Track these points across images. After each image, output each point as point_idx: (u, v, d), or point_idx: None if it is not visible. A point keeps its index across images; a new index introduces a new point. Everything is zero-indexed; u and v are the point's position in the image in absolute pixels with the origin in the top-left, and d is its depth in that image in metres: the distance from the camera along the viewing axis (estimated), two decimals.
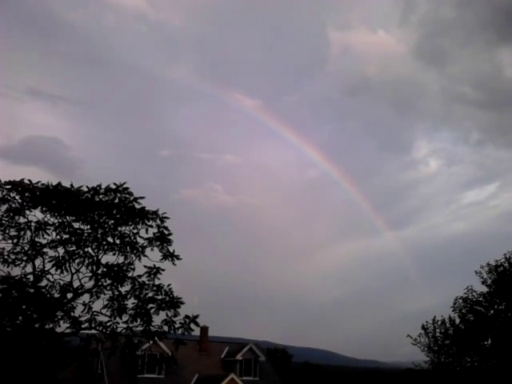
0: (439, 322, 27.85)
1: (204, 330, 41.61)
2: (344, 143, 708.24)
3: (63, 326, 15.13)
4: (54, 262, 15.10)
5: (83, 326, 14.98)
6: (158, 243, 15.92)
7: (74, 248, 15.40)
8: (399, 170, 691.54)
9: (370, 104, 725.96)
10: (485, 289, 25.67)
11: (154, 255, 15.85)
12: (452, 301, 26.73)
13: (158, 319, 15.25)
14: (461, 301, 26.34)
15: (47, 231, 15.40)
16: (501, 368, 23.30)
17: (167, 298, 15.40)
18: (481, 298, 25.65)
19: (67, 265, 15.28)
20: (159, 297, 15.50)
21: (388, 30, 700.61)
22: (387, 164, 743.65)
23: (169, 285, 15.68)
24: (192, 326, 15.05)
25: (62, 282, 15.38)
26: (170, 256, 15.80)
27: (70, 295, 15.33)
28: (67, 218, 15.54)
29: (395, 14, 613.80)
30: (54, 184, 15.44)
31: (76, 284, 15.46)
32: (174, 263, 15.87)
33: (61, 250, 15.36)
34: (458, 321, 26.56)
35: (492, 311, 25.00)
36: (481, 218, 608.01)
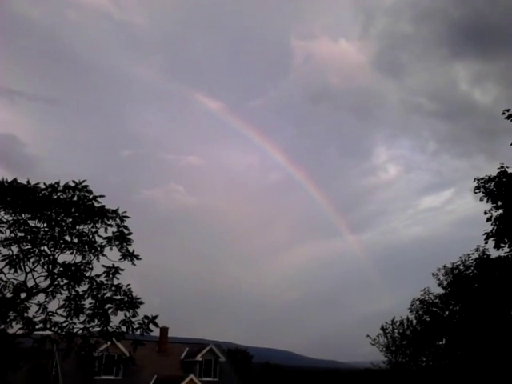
0: (397, 323, 28.52)
1: (164, 330, 41.23)
2: (307, 148, 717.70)
3: (16, 327, 14.68)
4: (7, 261, 14.60)
5: (37, 327, 14.55)
6: (118, 243, 15.66)
7: (29, 246, 14.96)
8: (360, 175, 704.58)
9: (332, 111, 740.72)
10: (441, 290, 26.40)
11: (113, 255, 15.63)
12: (410, 302, 27.43)
13: (116, 320, 15.07)
14: (418, 302, 27.02)
15: (1, 229, 14.84)
16: (454, 367, 23.97)
17: (126, 298, 15.18)
18: (437, 300, 26.36)
19: (21, 264, 14.81)
20: (118, 297, 15.26)
21: (349, 40, 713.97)
22: (348, 169, 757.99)
23: (128, 285, 15.49)
24: (151, 326, 14.92)
25: (15, 282, 14.93)
26: (129, 256, 15.57)
27: (23, 295, 14.87)
28: (23, 215, 15.04)
29: (356, 25, 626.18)
30: (9, 180, 14.92)
31: (31, 283, 15.05)
32: (133, 263, 15.66)
33: (15, 249, 14.90)
34: (414, 322, 27.24)
35: (447, 312, 25.69)
36: (437, 222, 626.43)
